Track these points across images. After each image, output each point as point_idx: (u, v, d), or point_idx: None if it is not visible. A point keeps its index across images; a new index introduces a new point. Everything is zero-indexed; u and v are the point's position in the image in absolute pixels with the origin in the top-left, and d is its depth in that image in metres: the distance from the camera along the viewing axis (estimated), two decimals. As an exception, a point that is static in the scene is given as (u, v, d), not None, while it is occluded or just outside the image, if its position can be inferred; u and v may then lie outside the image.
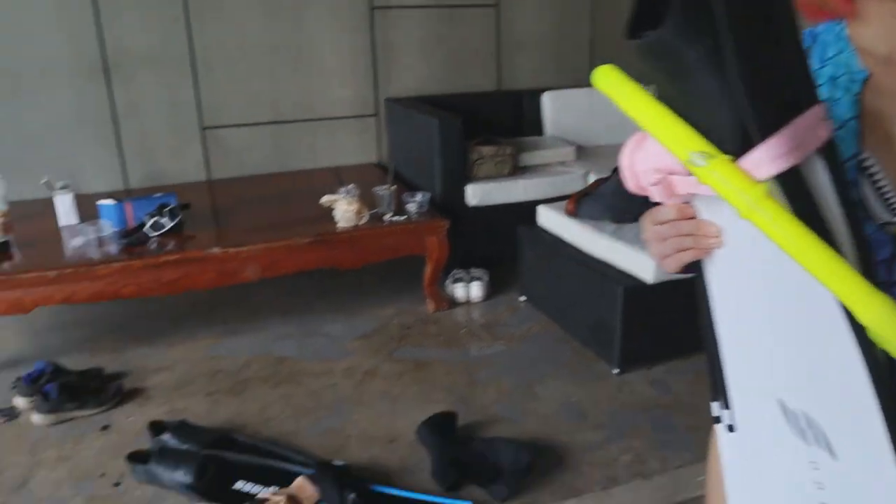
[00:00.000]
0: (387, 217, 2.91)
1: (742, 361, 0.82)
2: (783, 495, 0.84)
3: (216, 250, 2.64)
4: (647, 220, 0.80)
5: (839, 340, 0.66)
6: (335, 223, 2.84)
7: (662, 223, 0.77)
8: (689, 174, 0.66)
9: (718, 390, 0.86)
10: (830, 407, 0.72)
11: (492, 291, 3.18)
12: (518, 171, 3.43)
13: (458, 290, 3.12)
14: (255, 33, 3.62)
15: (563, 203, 2.87)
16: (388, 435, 2.21)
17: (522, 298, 3.11)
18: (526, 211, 3.12)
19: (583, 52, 4.28)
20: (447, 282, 3.16)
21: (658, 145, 0.69)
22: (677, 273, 0.82)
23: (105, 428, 2.26)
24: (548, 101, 3.92)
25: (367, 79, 3.90)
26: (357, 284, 3.33)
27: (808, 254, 0.60)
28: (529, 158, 3.54)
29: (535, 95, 3.96)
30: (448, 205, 3.20)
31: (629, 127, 0.69)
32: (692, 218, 0.75)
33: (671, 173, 0.70)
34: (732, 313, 0.80)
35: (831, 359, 0.70)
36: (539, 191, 3.32)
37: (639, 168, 0.73)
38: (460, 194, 3.25)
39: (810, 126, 0.63)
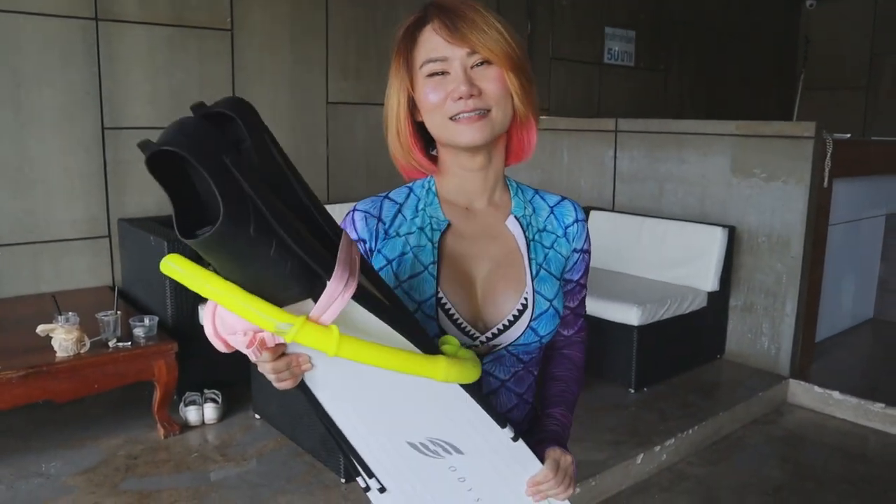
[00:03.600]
0: (112, 343, 2.86)
1: (369, 437, 1.00)
2: (444, 502, 1.07)
3: None
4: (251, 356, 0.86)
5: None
6: (54, 353, 2.74)
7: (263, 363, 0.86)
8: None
9: (356, 469, 1.03)
10: (445, 420, 0.97)
11: (227, 411, 3.20)
12: (254, 289, 3.54)
13: (192, 413, 3.10)
14: (-33, 153, 3.45)
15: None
16: (104, 575, 2.14)
17: (257, 416, 3.17)
18: (260, 328, 3.21)
19: (320, 171, 4.58)
20: (181, 405, 3.13)
21: (238, 326, 0.79)
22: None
23: None
24: (285, 220, 4.11)
25: (98, 199, 3.83)
26: (81, 415, 3.17)
27: (382, 359, 0.82)
28: (266, 276, 3.66)
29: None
30: (181, 326, 3.22)
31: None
32: (284, 354, 0.86)
33: (258, 332, 0.80)
34: (346, 407, 0.96)
35: (433, 386, 0.92)
36: (273, 308, 3.44)
37: (225, 335, 0.82)
38: (194, 314, 3.28)
39: (349, 259, 0.80)
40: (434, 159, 1.13)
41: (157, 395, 2.96)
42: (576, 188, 4.82)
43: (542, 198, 1.17)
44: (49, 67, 3.61)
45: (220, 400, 3.18)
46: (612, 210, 4.54)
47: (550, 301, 1.09)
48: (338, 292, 0.78)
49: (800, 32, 8.64)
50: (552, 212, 1.15)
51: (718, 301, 3.97)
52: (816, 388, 3.75)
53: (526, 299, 1.08)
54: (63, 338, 2.73)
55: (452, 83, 1.01)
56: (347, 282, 0.79)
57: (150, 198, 3.98)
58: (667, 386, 3.68)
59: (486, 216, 1.12)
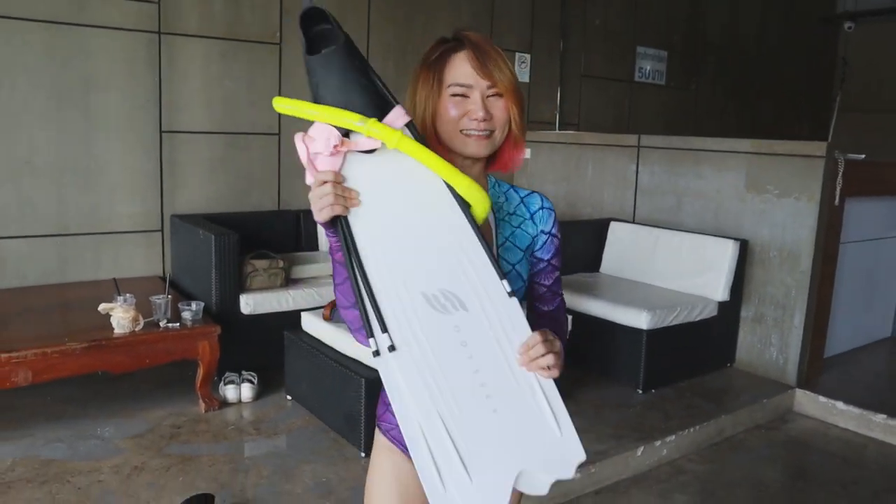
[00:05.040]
0: (162, 324, 3.19)
1: (391, 283, 1.16)
2: (446, 371, 1.14)
3: (-14, 357, 2.77)
4: (314, 184, 1.17)
5: (453, 216, 1.20)
6: (112, 330, 3.08)
7: (324, 183, 1.16)
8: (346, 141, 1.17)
9: (370, 327, 1.13)
10: (457, 270, 1.19)
11: (262, 392, 3.51)
12: (291, 283, 3.86)
13: (230, 392, 3.41)
14: (43, 150, 3.84)
15: (322, 310, 3.32)
16: (150, 521, 2.45)
17: (289, 397, 3.47)
18: (296, 318, 3.53)
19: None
20: (220, 384, 3.45)
21: (320, 132, 1.16)
22: (324, 226, 1.20)
23: None
24: (322, 220, 4.44)
25: (154, 196, 4.20)
26: (132, 389, 3.51)
27: (428, 159, 1.18)
28: (303, 271, 3.99)
29: (310, 214, 4.46)
30: (223, 313, 3.54)
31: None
32: (340, 183, 1.17)
33: (337, 137, 1.16)
34: (378, 246, 1.17)
35: (450, 232, 1.20)
36: (307, 300, 3.75)
37: (309, 144, 1.17)
38: (235, 303, 3.61)
39: (404, 107, 1.23)
40: None
41: (200, 372, 3.28)
42: (599, 200, 5.05)
43: (515, 191, 1.45)
44: (116, 75, 4.00)
45: (255, 381, 3.49)
46: (633, 222, 4.75)
47: (513, 265, 1.37)
48: (402, 112, 1.20)
49: (837, 54, 8.71)
50: (522, 201, 1.44)
51: (729, 311, 4.15)
52: (821, 398, 3.90)
53: None
54: (121, 316, 3.06)
55: (471, 105, 1.29)
56: (407, 112, 1.21)
57: (200, 196, 4.33)
58: (674, 389, 3.88)
59: None
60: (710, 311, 4.01)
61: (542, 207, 1.43)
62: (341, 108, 1.16)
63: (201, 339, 3.23)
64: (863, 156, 4.21)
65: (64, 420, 3.17)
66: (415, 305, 1.15)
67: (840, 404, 3.82)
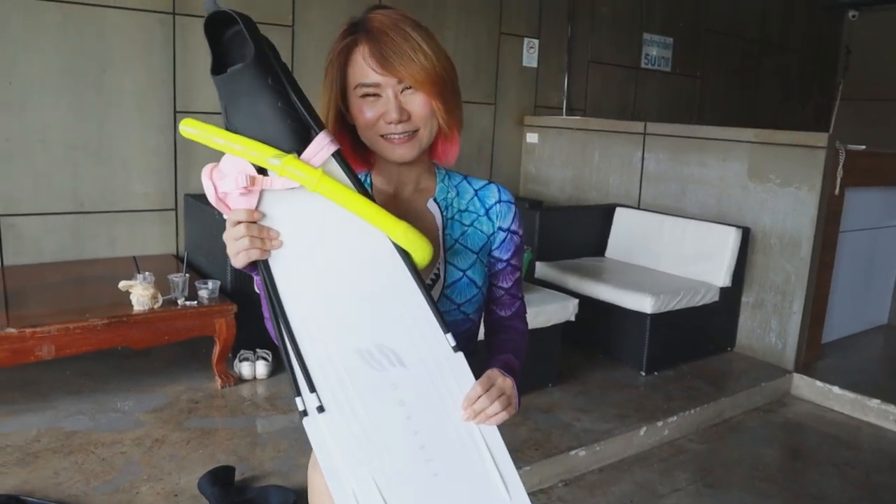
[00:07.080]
0: (180, 301, 3.27)
1: (319, 337, 1.03)
2: (382, 434, 1.03)
3: (11, 330, 2.86)
4: (227, 224, 1.04)
5: (389, 261, 1.05)
6: (132, 306, 3.16)
7: (237, 223, 1.01)
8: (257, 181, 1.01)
9: (297, 386, 1.03)
10: (395, 323, 1.05)
11: (275, 369, 3.60)
12: (303, 262, 3.94)
13: (245, 369, 3.51)
14: (58, 129, 3.89)
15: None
16: (174, 490, 2.54)
17: (302, 373, 3.56)
18: (308, 297, 3.62)
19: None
20: (235, 361, 3.54)
21: (231, 166, 1.00)
22: (245, 269, 1.06)
23: None
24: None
25: (168, 175, 4.27)
26: (148, 366, 3.61)
27: (354, 203, 1.02)
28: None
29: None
30: (238, 292, 3.62)
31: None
32: (256, 223, 1.01)
33: (249, 174, 1.01)
34: (304, 296, 1.04)
35: (387, 280, 1.06)
36: (320, 280, 3.84)
37: (216, 180, 1.01)
38: (250, 283, 3.68)
39: (329, 135, 1.05)
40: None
41: (216, 349, 3.37)
42: (605, 186, 5.13)
43: (468, 183, 1.30)
44: (130, 56, 4.05)
45: (270, 359, 3.58)
46: (638, 208, 4.83)
47: (464, 271, 1.23)
48: (325, 142, 1.01)
49: (840, 43, 8.75)
50: (476, 194, 1.29)
51: (731, 296, 4.24)
52: (818, 383, 4.01)
53: (438, 269, 1.22)
54: (140, 293, 3.14)
55: (384, 106, 1.12)
56: (332, 140, 1.03)
57: (213, 177, 4.39)
58: (676, 371, 3.98)
59: (410, 201, 1.26)
60: (713, 297, 4.11)
61: (499, 201, 1.29)
62: (255, 137, 1.00)
63: (218, 317, 3.32)
64: (863, 146, 4.30)
65: (85, 394, 3.27)
66: (346, 362, 1.04)
67: (836, 389, 3.93)
